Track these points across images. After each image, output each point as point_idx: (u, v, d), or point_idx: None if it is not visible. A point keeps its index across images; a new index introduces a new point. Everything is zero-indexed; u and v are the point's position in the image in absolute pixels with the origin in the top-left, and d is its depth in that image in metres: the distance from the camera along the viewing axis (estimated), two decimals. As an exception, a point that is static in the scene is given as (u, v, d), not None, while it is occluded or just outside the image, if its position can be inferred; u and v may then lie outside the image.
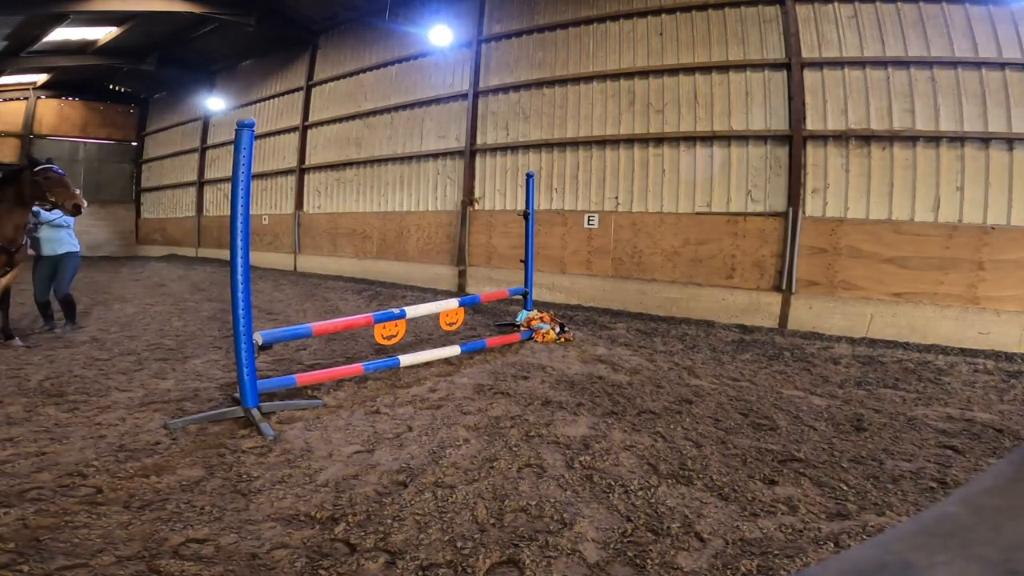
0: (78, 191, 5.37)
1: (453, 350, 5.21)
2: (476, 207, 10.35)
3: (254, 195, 13.04)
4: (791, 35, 7.32)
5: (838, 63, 7.10)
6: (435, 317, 5.62)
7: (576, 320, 7.51)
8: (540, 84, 9.60)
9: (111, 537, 2.21)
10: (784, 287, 7.20)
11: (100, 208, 18.93)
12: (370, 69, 12.44)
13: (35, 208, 5.56)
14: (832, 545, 2.26)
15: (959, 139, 6.44)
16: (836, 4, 7.15)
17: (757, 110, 7.64)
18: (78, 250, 6.17)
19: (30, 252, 5.52)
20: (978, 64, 6.40)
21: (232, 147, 3.54)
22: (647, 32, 8.55)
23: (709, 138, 7.94)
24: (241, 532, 2.30)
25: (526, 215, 6.39)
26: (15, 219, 5.15)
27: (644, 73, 8.52)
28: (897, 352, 5.96)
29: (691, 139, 8.09)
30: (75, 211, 5.28)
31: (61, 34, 13.01)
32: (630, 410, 3.93)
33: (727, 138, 7.81)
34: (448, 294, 9.71)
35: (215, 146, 16.95)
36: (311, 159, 13.84)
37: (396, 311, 4.76)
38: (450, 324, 5.49)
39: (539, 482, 2.81)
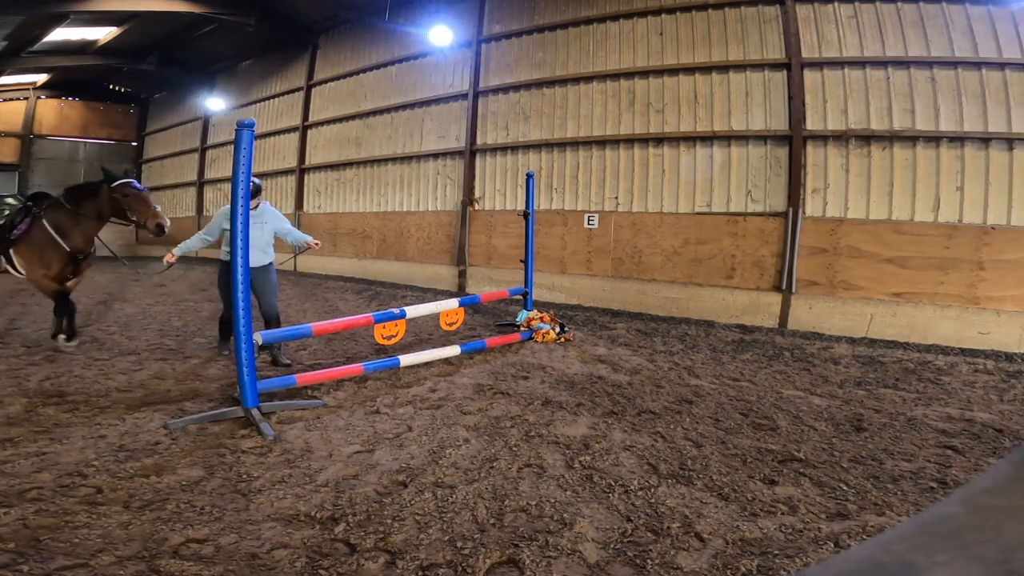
0: (159, 207, 5.13)
1: (453, 350, 5.21)
2: (476, 207, 10.35)
3: (254, 195, 13.00)
4: (791, 35, 7.31)
5: (838, 63, 7.09)
6: (435, 317, 5.63)
7: (576, 320, 7.51)
8: (540, 84, 9.60)
9: (111, 537, 2.22)
10: (784, 287, 7.20)
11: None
12: (370, 69, 12.43)
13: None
14: (832, 545, 2.26)
15: (959, 139, 6.44)
16: (836, 4, 7.14)
17: (757, 110, 7.64)
18: (272, 259, 5.10)
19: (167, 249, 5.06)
20: (978, 64, 6.39)
21: (232, 147, 3.54)
22: (647, 32, 8.55)
23: (709, 138, 7.94)
24: (241, 532, 2.30)
25: (526, 215, 6.39)
26: (89, 231, 5.14)
27: (644, 73, 8.51)
28: (897, 352, 5.96)
29: (691, 139, 8.09)
30: (158, 231, 4.94)
31: (61, 34, 13.01)
32: (630, 410, 3.93)
33: (727, 138, 7.81)
34: (448, 294, 9.71)
35: (215, 146, 16.95)
36: (311, 159, 13.83)
37: (396, 311, 4.76)
38: (450, 324, 5.49)
39: (539, 482, 2.81)
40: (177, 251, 4.83)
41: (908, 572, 0.31)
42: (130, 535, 2.24)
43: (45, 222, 5.04)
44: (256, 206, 4.89)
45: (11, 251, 5.10)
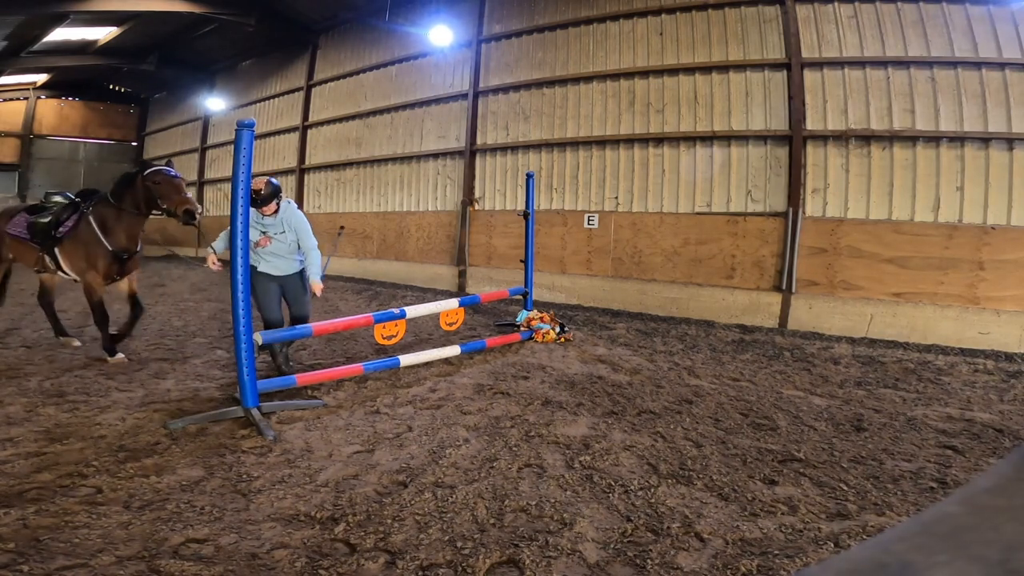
0: (190, 194, 4.73)
1: (453, 350, 5.21)
2: (476, 207, 10.35)
3: (254, 195, 12.99)
4: (791, 35, 7.31)
5: (838, 63, 7.09)
6: (435, 317, 5.62)
7: (576, 320, 7.51)
8: (540, 84, 9.60)
9: (111, 537, 2.22)
10: (784, 287, 7.20)
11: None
12: (370, 69, 12.43)
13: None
14: (832, 545, 2.26)
15: (959, 139, 6.44)
16: (836, 4, 7.14)
17: (757, 110, 7.64)
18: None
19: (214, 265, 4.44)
20: (978, 64, 6.39)
21: (232, 147, 3.54)
22: (647, 32, 8.55)
23: (709, 138, 7.94)
24: (241, 532, 2.30)
25: (526, 215, 6.39)
26: (133, 227, 4.87)
27: (644, 73, 8.52)
28: (897, 352, 5.96)
29: (691, 139, 8.09)
30: (188, 217, 4.55)
31: (61, 34, 13.01)
32: (630, 410, 3.93)
33: (727, 138, 7.81)
34: (448, 294, 9.71)
35: (215, 146, 16.95)
36: (311, 159, 13.84)
37: (396, 311, 4.76)
38: (450, 324, 5.49)
39: (539, 482, 2.81)
40: (212, 249, 4.44)
41: (908, 572, 0.31)
42: (130, 535, 2.24)
43: (91, 219, 4.80)
44: (275, 211, 4.43)
45: (56, 250, 4.90)
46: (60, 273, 5.08)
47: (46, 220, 4.95)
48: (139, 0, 11.47)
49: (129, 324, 5.14)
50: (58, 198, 5.19)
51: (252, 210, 4.19)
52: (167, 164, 4.87)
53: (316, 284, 4.42)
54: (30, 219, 5.07)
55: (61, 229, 4.88)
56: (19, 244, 5.15)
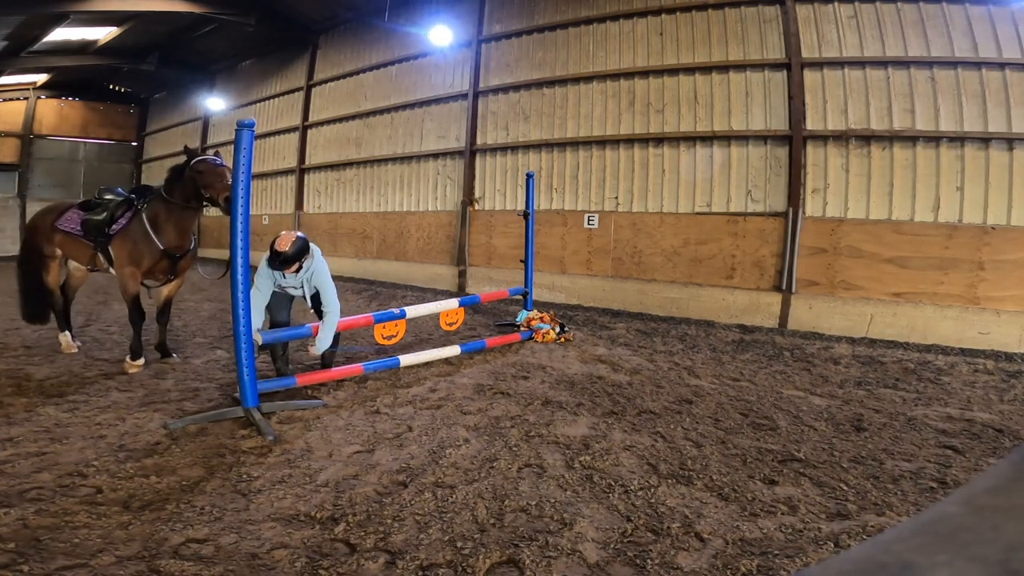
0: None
1: (453, 350, 5.21)
2: (476, 207, 10.35)
3: (254, 195, 12.99)
4: (791, 35, 7.31)
5: (838, 63, 7.09)
6: (435, 317, 5.63)
7: (576, 320, 7.51)
8: (540, 84, 9.60)
9: (111, 537, 2.22)
10: (784, 287, 7.19)
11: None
12: (370, 69, 12.43)
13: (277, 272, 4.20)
14: (832, 545, 2.26)
15: (959, 139, 6.43)
16: (836, 4, 7.14)
17: (757, 110, 7.64)
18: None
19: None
20: (978, 64, 6.39)
21: (232, 147, 3.54)
22: (647, 32, 8.55)
23: (709, 138, 7.94)
24: (241, 532, 2.30)
25: (526, 215, 6.39)
26: (183, 222, 4.65)
27: (644, 73, 8.51)
28: (897, 352, 5.96)
29: (691, 139, 8.09)
30: (229, 206, 3.95)
31: (61, 34, 13.00)
32: (630, 410, 3.93)
33: (727, 138, 7.81)
34: (448, 294, 9.71)
35: (215, 146, 16.94)
36: (311, 159, 13.84)
37: (396, 311, 4.76)
38: (450, 324, 5.49)
39: (539, 482, 2.81)
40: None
41: (908, 572, 0.31)
42: (130, 535, 2.24)
43: (144, 216, 4.64)
44: (297, 269, 4.15)
45: (110, 248, 4.75)
46: (113, 271, 4.90)
47: (100, 217, 4.79)
48: (139, 0, 11.47)
49: (162, 333, 5.11)
50: (110, 195, 5.02)
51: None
52: (215, 154, 4.69)
53: (311, 350, 4.16)
54: (84, 216, 4.92)
55: (114, 226, 4.74)
56: (71, 241, 4.98)
